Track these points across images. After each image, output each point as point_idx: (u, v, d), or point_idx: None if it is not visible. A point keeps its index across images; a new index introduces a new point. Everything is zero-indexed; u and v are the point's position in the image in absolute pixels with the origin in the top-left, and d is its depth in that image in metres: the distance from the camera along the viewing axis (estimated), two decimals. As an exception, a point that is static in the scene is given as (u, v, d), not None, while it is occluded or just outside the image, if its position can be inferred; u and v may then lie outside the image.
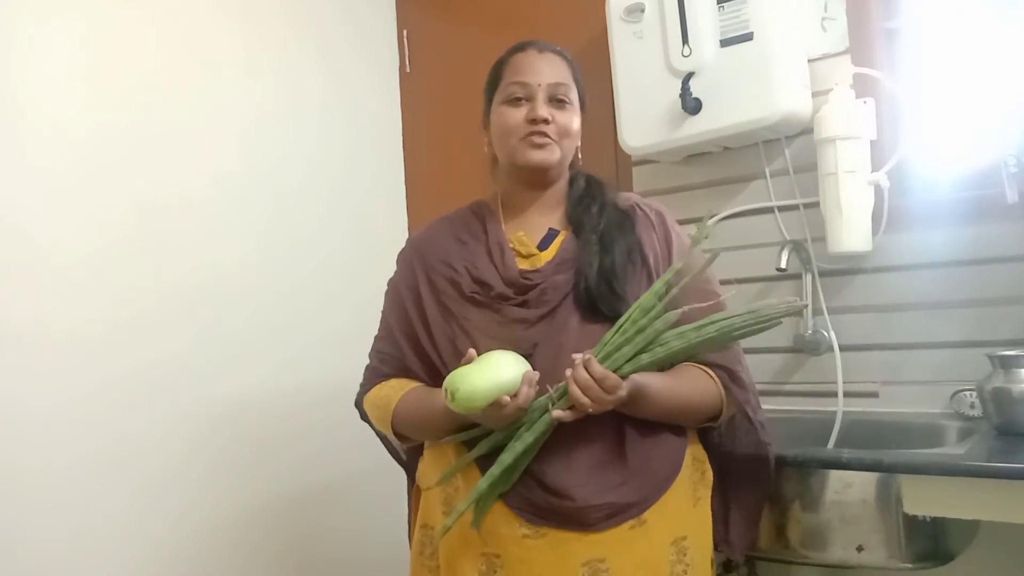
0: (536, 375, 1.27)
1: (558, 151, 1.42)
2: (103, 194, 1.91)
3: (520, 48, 1.47)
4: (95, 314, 1.88)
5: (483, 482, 1.28)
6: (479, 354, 1.28)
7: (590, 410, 1.23)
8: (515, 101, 1.42)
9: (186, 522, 2.00)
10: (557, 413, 1.24)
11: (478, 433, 1.33)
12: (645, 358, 1.27)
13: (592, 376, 1.22)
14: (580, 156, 1.52)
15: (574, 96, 1.45)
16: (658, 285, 1.30)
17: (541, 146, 1.40)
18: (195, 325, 2.06)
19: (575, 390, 1.22)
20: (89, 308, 1.87)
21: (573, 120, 1.44)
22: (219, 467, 2.08)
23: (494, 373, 1.24)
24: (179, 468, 2.00)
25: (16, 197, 1.77)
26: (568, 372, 1.24)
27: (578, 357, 1.24)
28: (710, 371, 1.38)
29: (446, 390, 1.23)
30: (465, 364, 1.26)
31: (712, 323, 1.28)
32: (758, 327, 1.28)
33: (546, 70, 1.43)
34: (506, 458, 1.27)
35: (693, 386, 1.36)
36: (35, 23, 1.83)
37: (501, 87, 1.45)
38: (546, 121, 1.40)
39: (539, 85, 1.41)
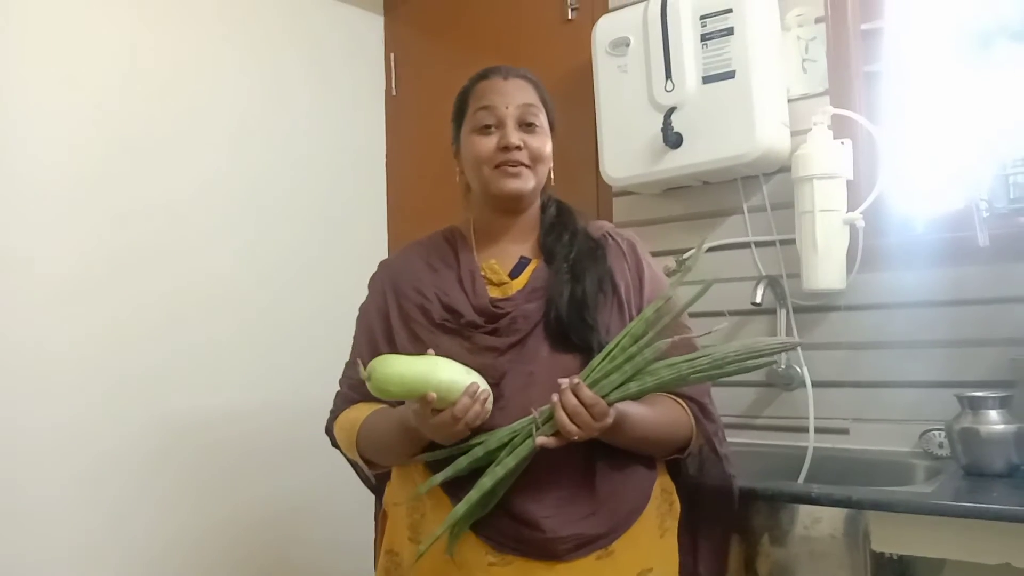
0: (482, 390, 1.23)
1: (532, 178, 1.40)
2: (86, 206, 1.91)
3: (484, 75, 1.45)
4: (70, 326, 1.87)
5: (460, 507, 1.23)
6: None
7: (575, 437, 1.19)
8: (484, 129, 1.39)
9: (153, 541, 1.98)
10: (541, 440, 1.20)
11: (444, 455, 1.29)
12: (633, 387, 1.24)
13: (582, 402, 1.19)
14: (553, 179, 1.49)
15: (543, 119, 1.42)
16: (648, 311, 1.27)
17: (515, 175, 1.38)
18: (173, 339, 2.06)
19: (562, 416, 1.19)
20: (70, 321, 1.87)
21: (545, 144, 1.41)
22: (192, 482, 2.07)
23: (424, 367, 1.20)
24: (154, 481, 1.99)
25: None
26: (555, 397, 1.20)
27: (565, 382, 1.20)
28: (682, 402, 1.38)
29: (367, 369, 1.20)
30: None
31: (704, 356, 1.25)
32: (751, 362, 1.26)
33: (513, 93, 1.40)
34: (485, 482, 1.22)
35: (667, 416, 1.35)
36: (20, 30, 1.83)
37: (469, 115, 1.43)
38: (518, 148, 1.37)
39: (507, 108, 1.39)
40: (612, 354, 1.26)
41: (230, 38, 2.27)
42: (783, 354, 1.93)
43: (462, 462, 1.26)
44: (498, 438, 1.25)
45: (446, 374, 1.21)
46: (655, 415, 1.33)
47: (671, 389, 1.34)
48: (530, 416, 1.24)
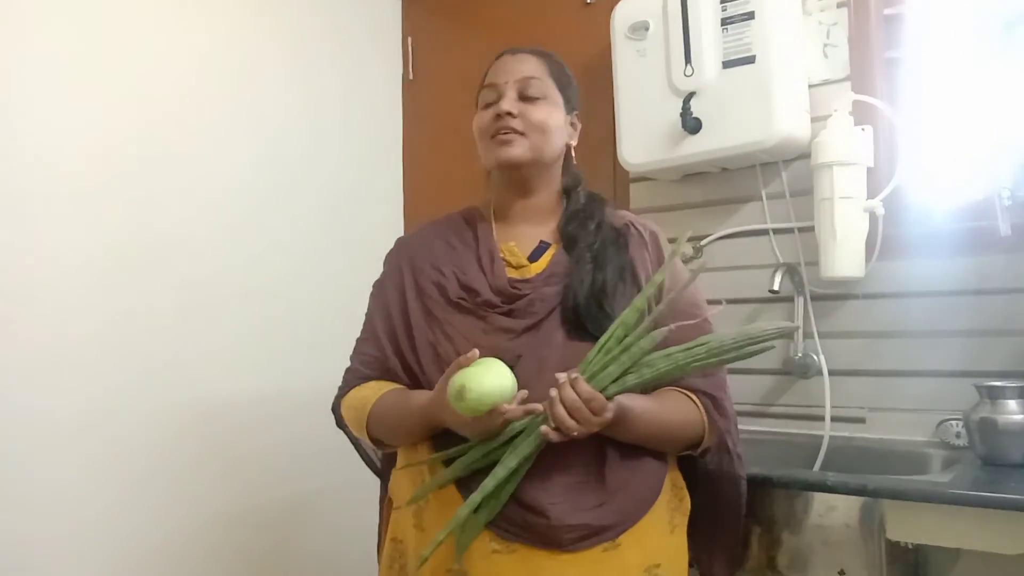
0: (525, 393, 1.22)
1: (526, 144, 1.37)
2: (104, 197, 1.92)
3: (497, 57, 1.46)
4: (80, 312, 1.88)
5: (463, 509, 1.21)
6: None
7: (574, 434, 1.17)
8: (487, 105, 1.40)
9: (160, 527, 1.99)
10: (545, 428, 1.18)
11: (455, 453, 1.28)
12: (631, 379, 1.21)
13: (580, 396, 1.17)
14: (574, 157, 1.47)
15: (548, 90, 1.40)
16: (639, 301, 1.25)
17: (506, 142, 1.36)
18: (186, 326, 2.07)
19: (560, 411, 1.17)
20: (87, 310, 1.88)
21: (547, 113, 1.39)
22: (201, 468, 2.08)
23: (500, 379, 1.19)
24: (155, 472, 1.99)
25: (14, 198, 1.78)
26: (553, 392, 1.18)
27: (562, 376, 1.19)
28: (694, 397, 1.35)
29: (455, 389, 1.16)
30: (466, 365, 1.19)
31: (701, 344, 1.23)
32: (749, 350, 1.22)
33: (514, 68, 1.41)
34: (489, 484, 1.20)
35: (676, 411, 1.33)
36: (50, 21, 1.84)
37: (479, 96, 1.45)
38: (510, 114, 1.36)
39: (506, 83, 1.39)
40: (607, 346, 1.23)
41: (247, 23, 2.26)
42: (800, 342, 1.92)
43: (458, 466, 1.26)
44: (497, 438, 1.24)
45: (508, 381, 1.19)
46: (662, 410, 1.30)
47: (671, 380, 1.31)
48: (529, 415, 1.22)
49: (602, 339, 1.24)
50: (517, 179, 1.43)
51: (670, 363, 1.22)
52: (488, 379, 1.18)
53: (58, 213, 1.84)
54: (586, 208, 1.44)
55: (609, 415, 1.19)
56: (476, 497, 1.20)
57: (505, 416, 1.19)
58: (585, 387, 1.18)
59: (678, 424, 1.33)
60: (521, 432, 1.23)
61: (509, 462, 1.20)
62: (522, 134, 1.37)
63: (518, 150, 1.37)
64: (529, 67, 1.41)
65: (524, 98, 1.39)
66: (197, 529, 2.07)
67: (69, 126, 1.87)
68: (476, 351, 1.21)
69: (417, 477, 1.35)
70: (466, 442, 1.27)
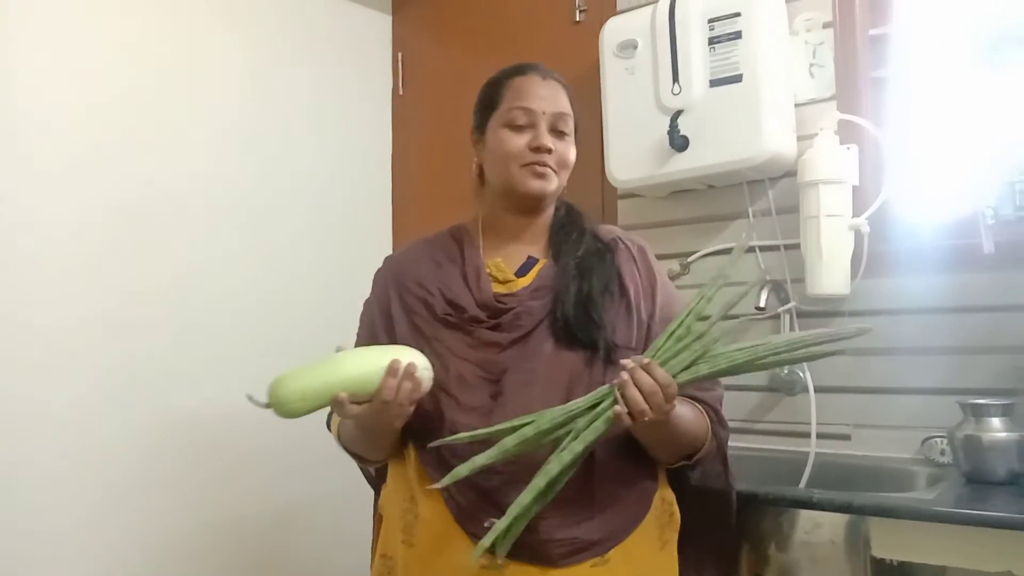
0: (404, 365, 1.19)
1: (556, 181, 1.39)
2: (88, 195, 1.92)
3: (521, 71, 1.43)
4: (73, 314, 1.88)
5: (525, 496, 1.16)
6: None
7: (646, 418, 1.14)
8: (517, 127, 1.38)
9: (150, 531, 1.98)
10: (619, 409, 1.14)
11: (470, 438, 1.21)
12: (704, 368, 1.19)
13: (656, 381, 1.14)
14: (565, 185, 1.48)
15: (572, 126, 1.42)
16: (710, 291, 1.24)
17: (542, 175, 1.37)
18: (172, 332, 2.07)
19: (636, 394, 1.13)
20: (67, 309, 1.87)
21: (571, 151, 1.42)
22: (190, 473, 2.07)
23: (323, 371, 1.15)
24: (146, 475, 1.99)
25: (4, 196, 1.78)
26: (624, 375, 1.14)
27: (629, 362, 1.16)
28: (700, 407, 1.35)
29: (268, 395, 1.13)
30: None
31: (781, 338, 1.22)
32: (822, 348, 1.22)
33: (550, 98, 1.40)
34: (553, 468, 1.16)
35: (694, 417, 1.32)
36: (26, 22, 1.84)
37: (502, 109, 1.40)
38: (549, 151, 1.37)
39: (543, 113, 1.38)
40: (677, 333, 1.21)
41: (238, 36, 2.27)
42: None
43: (508, 443, 1.18)
44: (550, 418, 1.19)
45: (351, 367, 1.16)
46: (687, 413, 1.29)
47: (742, 372, 1.27)
48: (590, 396, 1.19)
49: (671, 326, 1.22)
50: (531, 206, 1.43)
51: (748, 355, 1.20)
52: (293, 380, 1.15)
53: (42, 210, 1.84)
54: (568, 220, 1.46)
55: (675, 405, 1.18)
56: (539, 482, 1.17)
57: (372, 405, 1.18)
58: (661, 372, 1.15)
59: (694, 429, 1.32)
60: (580, 416, 1.19)
61: (575, 447, 1.17)
62: (555, 170, 1.39)
63: (552, 186, 1.39)
64: (563, 101, 1.41)
65: (555, 131, 1.39)
66: (188, 536, 2.06)
67: (55, 123, 1.87)
68: (342, 344, 1.21)
69: (404, 488, 1.35)
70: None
